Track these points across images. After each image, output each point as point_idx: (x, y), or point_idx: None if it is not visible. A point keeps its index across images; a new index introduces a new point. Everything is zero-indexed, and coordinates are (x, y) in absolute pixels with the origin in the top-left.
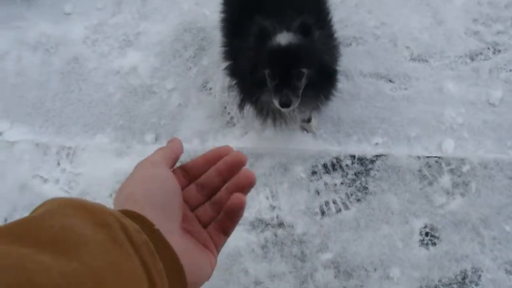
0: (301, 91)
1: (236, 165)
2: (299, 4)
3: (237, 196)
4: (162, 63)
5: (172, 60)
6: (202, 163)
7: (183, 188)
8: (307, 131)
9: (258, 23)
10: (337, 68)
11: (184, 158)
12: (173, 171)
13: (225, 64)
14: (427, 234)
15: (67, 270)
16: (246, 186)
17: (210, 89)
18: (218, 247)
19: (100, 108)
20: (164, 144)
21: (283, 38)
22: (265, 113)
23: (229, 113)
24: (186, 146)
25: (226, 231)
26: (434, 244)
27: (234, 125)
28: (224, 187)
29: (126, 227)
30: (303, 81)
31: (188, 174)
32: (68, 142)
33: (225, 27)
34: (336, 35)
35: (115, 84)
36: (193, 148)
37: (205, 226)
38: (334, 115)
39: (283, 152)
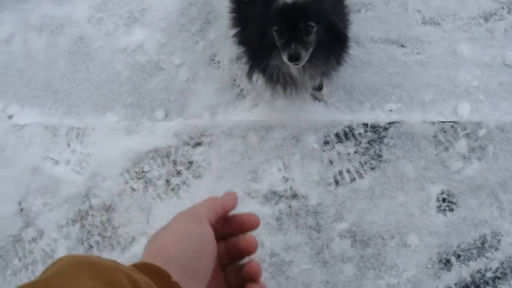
0: (311, 47)
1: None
2: None
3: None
4: (169, 38)
5: (178, 35)
6: (232, 223)
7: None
8: (319, 100)
9: None
10: (348, 34)
11: (194, 133)
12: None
13: (233, 31)
14: (444, 200)
15: None
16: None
17: (218, 62)
18: None
19: (109, 87)
20: (174, 118)
21: None
22: (275, 79)
23: (238, 86)
24: (196, 121)
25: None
26: (451, 210)
27: (244, 97)
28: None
29: (137, 281)
30: (312, 37)
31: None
32: (78, 123)
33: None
34: (346, 3)
35: (122, 62)
36: (203, 124)
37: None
38: (346, 82)
39: (294, 123)
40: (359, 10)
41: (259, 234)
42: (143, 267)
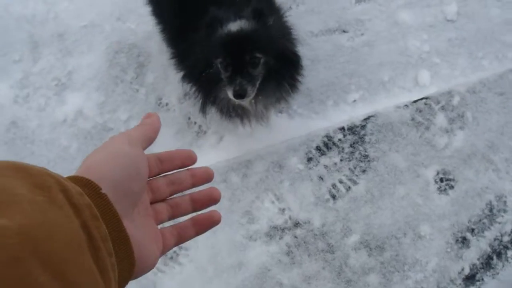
0: (258, 80)
1: (206, 179)
2: None
3: (216, 213)
4: (106, 95)
5: (115, 89)
6: (176, 159)
7: (153, 176)
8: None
9: (210, 13)
10: (298, 52)
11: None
12: (148, 157)
13: (180, 74)
14: (441, 180)
15: None
16: (210, 203)
17: (167, 104)
18: (165, 249)
19: (61, 166)
20: None
21: (234, 25)
22: (226, 112)
23: (195, 123)
24: None
25: (181, 239)
26: (452, 187)
27: (205, 133)
28: (188, 193)
29: (67, 189)
30: (260, 69)
31: (161, 164)
32: None
33: (167, 37)
34: (284, 14)
35: (66, 135)
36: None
37: (157, 223)
38: (301, 87)
39: (271, 149)
40: (290, 7)
41: (276, 275)
42: (74, 179)
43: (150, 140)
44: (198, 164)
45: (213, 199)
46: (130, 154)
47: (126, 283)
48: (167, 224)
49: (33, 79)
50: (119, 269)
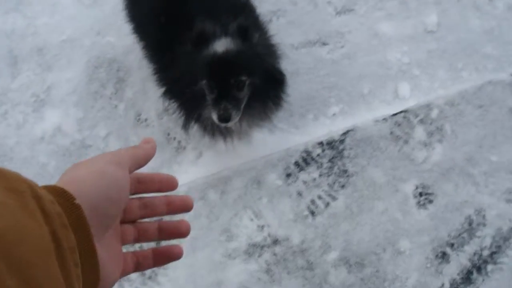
0: (243, 103)
1: (182, 209)
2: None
3: (177, 249)
4: (85, 111)
5: (94, 104)
6: (156, 183)
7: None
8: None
9: (197, 27)
10: (283, 71)
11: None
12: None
13: (162, 89)
14: (420, 194)
15: None
16: (177, 237)
17: (146, 120)
18: (123, 274)
19: (40, 183)
20: None
21: (220, 45)
22: (209, 130)
23: (175, 138)
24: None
25: (140, 268)
26: (431, 201)
27: (184, 148)
28: (156, 222)
29: (40, 196)
30: (246, 91)
31: (139, 184)
32: None
33: (150, 51)
34: (268, 30)
35: (45, 152)
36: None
37: (122, 243)
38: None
39: (249, 166)
40: (270, 19)
41: None
42: (49, 188)
43: (139, 166)
44: (179, 180)
45: (181, 234)
46: (116, 176)
47: None
48: (131, 247)
49: (12, 95)
50: (83, 281)
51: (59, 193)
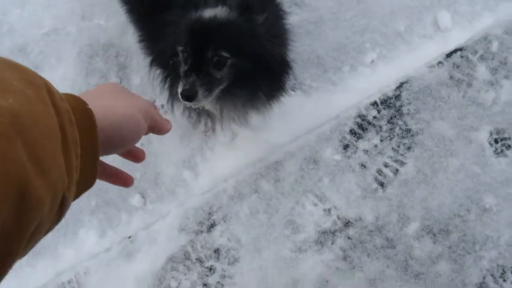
0: (220, 85)
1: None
2: None
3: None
4: None
5: None
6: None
7: None
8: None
9: None
10: (287, 58)
11: (200, 216)
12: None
13: (149, 59)
14: (496, 140)
15: None
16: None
17: (162, 106)
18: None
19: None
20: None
21: (210, 11)
22: (188, 112)
23: (200, 120)
24: (194, 202)
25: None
26: (509, 147)
27: (214, 130)
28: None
29: (53, 92)
30: (225, 73)
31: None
32: (65, 274)
33: (135, 17)
34: (285, 16)
35: None
36: (204, 200)
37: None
38: (309, 55)
39: (300, 144)
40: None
41: (337, 285)
42: (69, 94)
43: (152, 130)
44: (221, 171)
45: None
46: (137, 125)
47: (83, 191)
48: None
49: None
50: (82, 172)
51: (75, 98)
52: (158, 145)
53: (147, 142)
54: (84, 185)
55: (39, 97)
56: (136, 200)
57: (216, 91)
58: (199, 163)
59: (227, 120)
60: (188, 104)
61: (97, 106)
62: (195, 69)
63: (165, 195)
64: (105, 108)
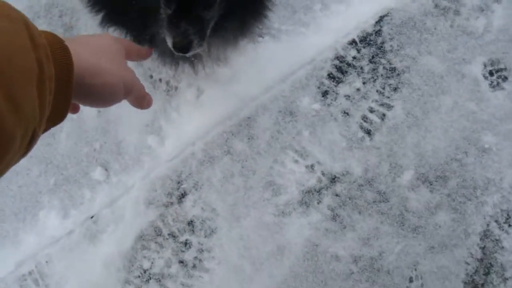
0: (210, 25)
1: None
2: None
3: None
4: None
5: None
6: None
7: None
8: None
9: None
10: None
11: (169, 186)
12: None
13: (99, 16)
14: (491, 73)
15: None
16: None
17: None
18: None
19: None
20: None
21: None
22: (170, 56)
23: (160, 80)
24: (159, 171)
25: None
26: (505, 78)
27: (176, 89)
28: None
29: (30, 27)
30: (215, 10)
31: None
32: (26, 265)
33: None
34: None
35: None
36: (171, 168)
37: None
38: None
39: (272, 94)
40: None
41: (328, 248)
42: (44, 31)
43: (129, 57)
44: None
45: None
46: (110, 46)
47: (52, 126)
48: None
49: None
50: (54, 108)
51: (52, 34)
52: (117, 110)
53: (104, 109)
54: (54, 121)
55: (16, 31)
56: (98, 173)
57: (208, 34)
58: (164, 126)
59: (215, 59)
60: (182, 55)
61: (83, 59)
62: (183, 14)
63: (130, 165)
64: (91, 66)
